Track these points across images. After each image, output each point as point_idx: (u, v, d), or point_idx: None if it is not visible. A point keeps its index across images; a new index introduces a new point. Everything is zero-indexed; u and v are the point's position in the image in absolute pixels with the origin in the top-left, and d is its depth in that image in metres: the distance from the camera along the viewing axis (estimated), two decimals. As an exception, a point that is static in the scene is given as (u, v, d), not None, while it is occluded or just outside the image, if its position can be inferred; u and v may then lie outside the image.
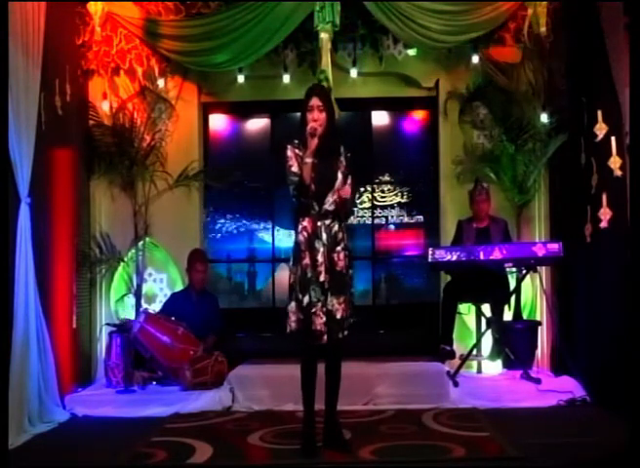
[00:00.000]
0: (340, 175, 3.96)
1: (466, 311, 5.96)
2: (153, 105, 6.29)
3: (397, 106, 6.67)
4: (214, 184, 6.46)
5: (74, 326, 5.48)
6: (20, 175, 4.63)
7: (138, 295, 6.19)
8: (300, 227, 3.96)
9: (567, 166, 5.65)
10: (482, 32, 5.72)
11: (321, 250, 3.92)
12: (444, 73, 6.32)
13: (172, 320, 5.80)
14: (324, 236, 3.93)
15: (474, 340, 5.74)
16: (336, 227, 3.97)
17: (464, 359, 5.60)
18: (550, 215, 6.09)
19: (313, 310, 3.89)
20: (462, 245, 5.77)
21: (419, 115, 6.77)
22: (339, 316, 3.92)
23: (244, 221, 6.73)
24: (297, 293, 3.93)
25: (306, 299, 3.90)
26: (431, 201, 6.47)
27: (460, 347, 5.82)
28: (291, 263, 4.01)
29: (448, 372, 5.39)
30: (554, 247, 5.36)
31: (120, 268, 6.27)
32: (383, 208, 6.68)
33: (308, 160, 3.89)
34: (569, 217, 5.58)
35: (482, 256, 5.37)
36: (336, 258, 3.95)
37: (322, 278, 3.90)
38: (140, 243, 6.24)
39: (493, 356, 5.73)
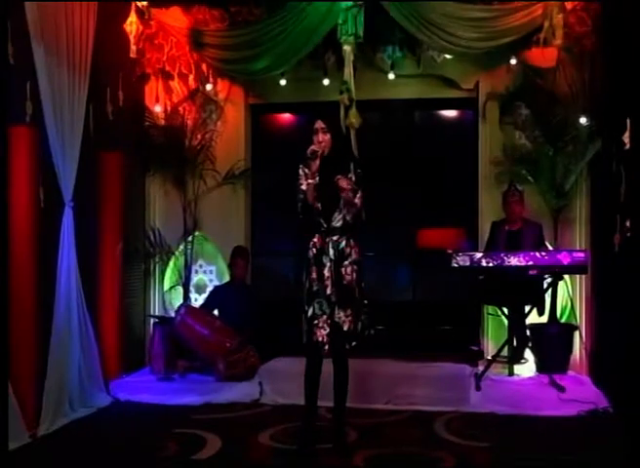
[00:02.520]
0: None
1: (497, 312, 5.88)
2: (203, 107, 6.46)
3: (437, 107, 6.57)
4: (257, 183, 6.60)
5: (121, 316, 5.80)
6: (63, 181, 4.90)
7: (186, 286, 6.38)
8: (310, 243, 4.04)
9: (602, 172, 5.47)
10: (514, 37, 5.51)
11: (328, 265, 3.97)
12: (483, 74, 6.14)
13: (210, 313, 6.01)
14: (331, 251, 3.98)
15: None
16: (343, 243, 4.01)
17: (491, 361, 5.53)
18: (591, 221, 5.91)
19: (315, 322, 3.96)
20: (492, 249, 5.70)
21: (458, 116, 6.66)
22: (345, 328, 3.96)
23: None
24: (302, 304, 4.02)
25: (310, 311, 3.98)
26: (470, 201, 6.34)
27: (495, 347, 5.77)
28: (303, 278, 4.08)
29: (475, 374, 5.36)
30: (580, 255, 5.18)
31: (172, 261, 6.51)
32: (424, 207, 6.60)
33: (310, 181, 3.96)
34: (602, 225, 5.41)
35: (506, 263, 5.28)
36: (343, 272, 3.98)
37: (328, 291, 3.95)
38: (190, 237, 6.43)
39: (514, 359, 5.65)
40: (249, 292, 6.20)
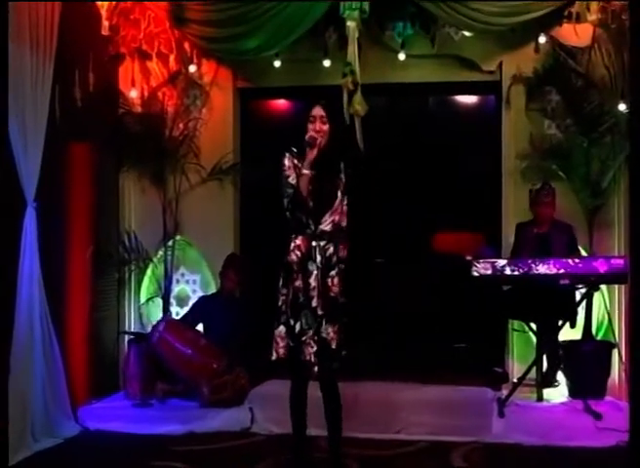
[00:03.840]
0: (339, 194, 4.02)
1: (524, 328, 5.88)
2: (186, 92, 6.46)
3: (454, 92, 6.57)
4: (248, 179, 6.58)
5: (92, 332, 5.79)
6: (24, 177, 4.88)
7: (166, 298, 6.38)
8: (292, 245, 4.02)
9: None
10: (543, 12, 5.52)
11: (314, 273, 3.97)
12: (507, 54, 6.13)
13: (194, 329, 6.00)
14: (318, 258, 3.99)
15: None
16: (331, 249, 4.02)
17: (516, 384, 5.52)
18: (630, 223, 5.87)
19: (304, 338, 3.96)
20: (517, 255, 5.70)
21: (478, 102, 6.66)
22: (334, 345, 3.97)
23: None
24: (287, 318, 4.00)
25: (297, 326, 3.97)
26: (492, 200, 6.34)
27: (522, 368, 5.76)
28: (280, 284, 4.06)
29: (499, 399, 5.36)
30: (618, 262, 5.17)
31: (150, 269, 6.49)
32: (438, 207, 6.61)
33: (306, 171, 3.95)
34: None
35: (533, 271, 5.28)
36: (330, 283, 4.00)
37: (314, 303, 3.96)
38: (170, 242, 6.42)
39: (544, 382, 5.63)
40: (239, 306, 6.18)
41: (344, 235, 4.11)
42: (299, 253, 4.01)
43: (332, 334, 3.98)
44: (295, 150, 4.07)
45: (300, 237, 4.02)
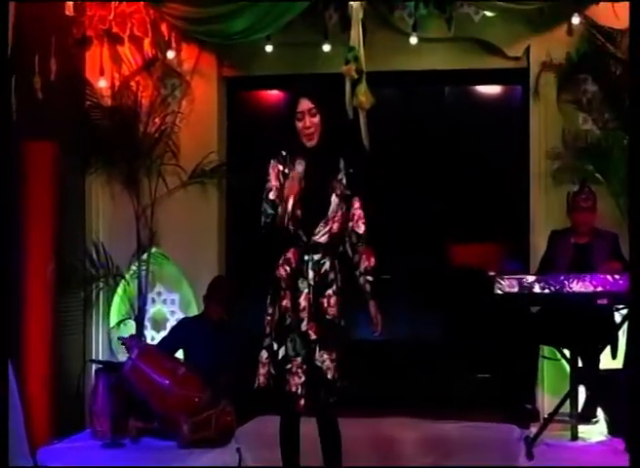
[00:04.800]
0: (334, 199, 4.03)
1: (556, 355, 5.89)
2: (163, 82, 6.52)
3: (474, 81, 6.62)
4: (234, 182, 6.62)
5: (53, 360, 5.79)
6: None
7: (140, 320, 6.42)
8: (281, 260, 4.04)
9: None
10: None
11: (305, 291, 3.99)
12: (536, 38, 6.19)
13: (172, 357, 6.01)
14: (310, 274, 4.00)
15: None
16: (327, 265, 4.03)
17: (547, 420, 5.52)
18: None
19: (288, 366, 3.96)
20: (550, 269, 5.71)
21: (502, 92, 6.71)
22: (330, 376, 3.97)
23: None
24: (270, 341, 4.03)
25: (282, 352, 3.99)
26: (519, 206, 6.39)
27: (554, 402, 5.77)
28: (267, 302, 4.10)
29: (526, 438, 5.35)
30: (666, 279, 5.20)
31: (121, 286, 6.53)
32: (455, 214, 6.64)
33: (295, 174, 3.98)
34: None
35: (567, 289, 5.29)
36: (325, 304, 4.00)
37: (304, 327, 3.96)
38: (145, 255, 6.47)
39: (582, 418, 5.64)
40: (226, 330, 6.18)
41: (365, 242, 4.11)
42: (287, 267, 4.03)
43: (327, 363, 3.97)
44: (284, 153, 4.09)
45: (290, 250, 4.04)
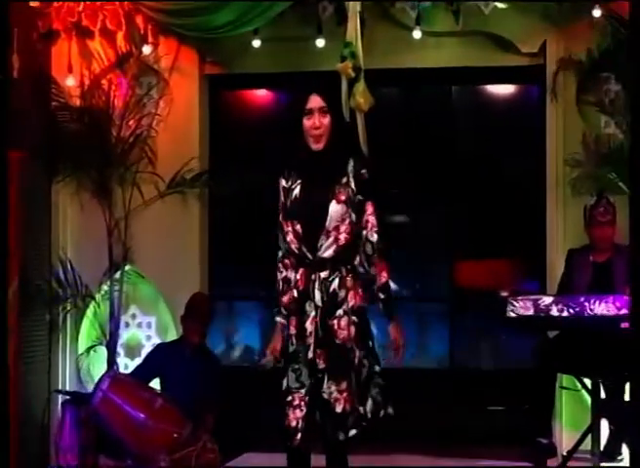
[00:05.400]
0: (333, 207, 3.99)
1: (576, 384, 5.90)
2: (138, 80, 6.53)
3: (484, 80, 6.66)
4: (218, 191, 6.63)
5: (15, 390, 5.74)
6: None
7: (112, 346, 6.41)
8: (291, 283, 4.04)
9: None
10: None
11: (312, 314, 3.96)
12: (553, 32, 6.22)
13: (149, 387, 5.99)
14: (317, 295, 3.97)
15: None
16: (335, 283, 3.99)
17: (566, 458, 5.53)
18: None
19: (289, 399, 3.94)
20: (568, 290, 5.73)
21: (516, 93, 6.75)
22: (339, 409, 3.92)
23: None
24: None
25: (284, 382, 3.98)
26: (534, 219, 6.42)
27: (573, 438, 5.78)
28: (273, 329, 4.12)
29: (543, 477, 5.40)
30: (697, 300, 5.23)
31: (91, 308, 6.53)
32: (466, 228, 6.67)
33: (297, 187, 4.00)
34: None
35: (588, 311, 5.30)
36: (335, 327, 3.97)
37: (311, 354, 3.94)
38: (117, 274, 6.47)
39: (606, 456, 5.65)
40: (207, 357, 6.18)
41: (380, 253, 4.07)
42: (295, 290, 4.03)
43: (336, 395, 3.93)
44: (288, 162, 4.10)
45: (300, 270, 4.03)
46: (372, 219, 4.06)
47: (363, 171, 4.06)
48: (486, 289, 6.68)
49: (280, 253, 4.10)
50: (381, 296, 4.06)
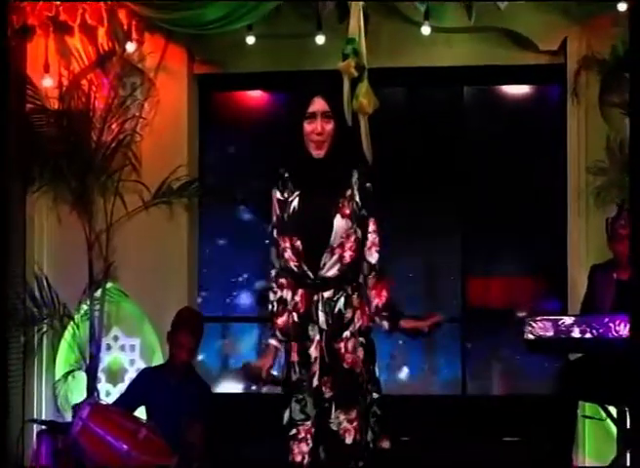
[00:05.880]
0: (338, 222, 3.99)
1: (599, 413, 5.91)
2: (122, 81, 6.54)
3: (499, 80, 6.70)
4: (209, 201, 6.66)
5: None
6: None
7: (92, 371, 6.40)
8: (290, 305, 4.01)
9: None
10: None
11: (316, 338, 3.94)
12: (575, 28, 6.26)
13: (132, 416, 5.99)
14: (321, 317, 3.95)
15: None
16: (341, 302, 3.97)
17: (591, 493, 5.57)
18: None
19: (293, 432, 3.93)
20: (591, 309, 5.74)
21: (534, 94, 6.78)
22: (349, 440, 3.91)
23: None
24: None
25: (286, 415, 3.96)
26: (554, 233, 6.44)
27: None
28: None
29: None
30: None
31: (69, 330, 6.51)
32: (479, 241, 6.70)
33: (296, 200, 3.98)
34: None
35: (613, 333, 5.31)
36: (342, 350, 3.95)
37: (316, 382, 3.93)
38: (98, 292, 6.47)
39: (633, 492, 5.66)
40: (199, 387, 6.18)
41: (377, 273, 4.04)
42: (295, 313, 4.01)
43: (345, 424, 3.91)
44: (286, 175, 4.08)
45: (299, 291, 4.00)
46: (372, 238, 4.04)
47: (368, 184, 4.05)
48: (501, 308, 6.72)
49: (274, 272, 4.05)
50: (385, 314, 4.02)
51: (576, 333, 5.31)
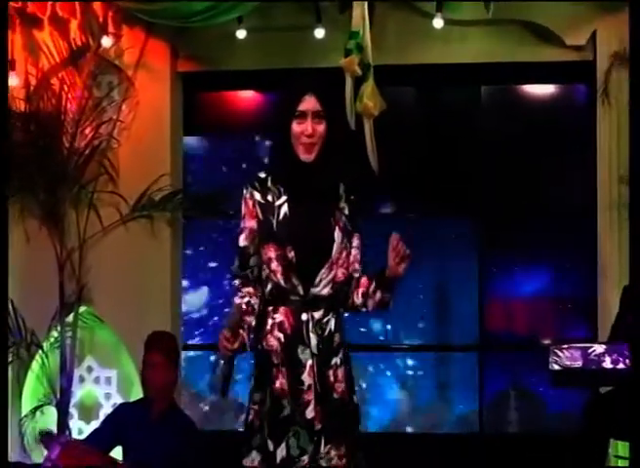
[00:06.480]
0: (337, 236, 3.98)
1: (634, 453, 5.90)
2: (96, 79, 6.56)
3: (520, 79, 6.70)
4: (195, 215, 6.66)
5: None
6: None
7: (63, 407, 6.39)
8: (269, 323, 3.98)
9: None
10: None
11: (308, 363, 3.93)
12: (604, 21, 6.28)
13: (107, 456, 5.95)
14: (313, 340, 3.94)
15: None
16: (332, 324, 3.98)
17: None
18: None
19: None
20: (624, 336, 5.73)
21: (559, 94, 6.79)
22: None
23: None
24: (263, 440, 3.95)
25: (281, 452, 3.93)
26: (582, 249, 6.45)
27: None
28: (251, 386, 4.03)
29: None
30: None
31: (37, 359, 6.52)
32: (498, 260, 6.71)
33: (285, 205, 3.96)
34: None
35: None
36: (332, 378, 3.96)
37: (310, 414, 3.92)
38: (70, 317, 6.47)
39: None
40: (181, 421, 6.17)
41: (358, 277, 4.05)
42: (281, 334, 3.96)
43: (336, 461, 3.91)
44: (263, 176, 4.08)
45: (281, 309, 3.99)
46: (354, 253, 4.07)
47: (352, 197, 4.07)
48: (523, 334, 6.73)
49: (239, 282, 4.01)
50: (374, 290, 3.99)
51: (607, 364, 5.30)
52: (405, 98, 6.70)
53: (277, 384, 3.98)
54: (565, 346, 5.35)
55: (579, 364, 5.32)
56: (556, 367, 5.34)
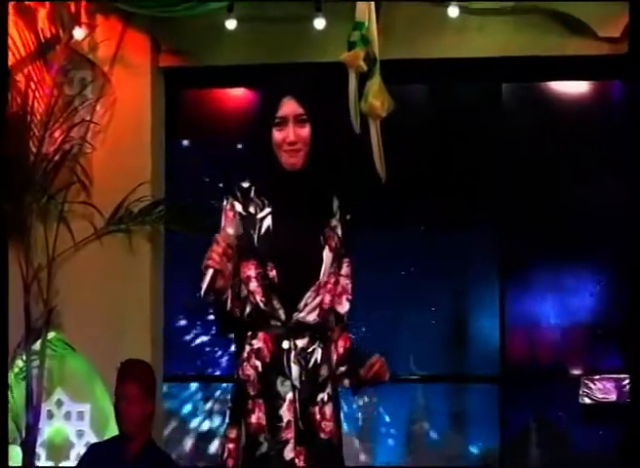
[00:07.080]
0: (326, 256, 3.99)
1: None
2: (67, 75, 6.57)
3: (547, 75, 6.72)
4: (179, 229, 6.64)
5: None
6: None
7: (29, 447, 6.36)
8: (246, 350, 3.98)
9: None
10: None
11: (288, 397, 3.93)
12: (641, 11, 6.32)
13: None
14: (294, 371, 3.94)
15: None
16: (318, 355, 3.99)
17: None
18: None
19: None
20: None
21: (590, 91, 6.83)
22: None
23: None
24: None
25: None
26: (615, 269, 6.48)
27: None
28: (226, 421, 4.06)
29: None
30: None
31: (0, 392, 6.56)
32: (521, 282, 6.73)
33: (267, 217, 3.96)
34: None
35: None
36: (318, 416, 3.97)
37: (289, 454, 3.90)
38: (37, 344, 6.46)
39: None
40: (160, 459, 6.17)
41: (343, 323, 4.09)
42: (258, 362, 3.95)
43: None
44: (246, 186, 4.07)
45: (259, 334, 3.97)
46: (345, 283, 4.08)
47: (348, 216, 4.09)
48: (549, 365, 6.71)
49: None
50: (343, 370, 4.06)
51: (645, 397, 5.33)
52: (416, 97, 6.72)
53: (253, 418, 3.97)
54: (597, 377, 5.37)
55: (612, 397, 5.34)
56: (587, 400, 5.36)
